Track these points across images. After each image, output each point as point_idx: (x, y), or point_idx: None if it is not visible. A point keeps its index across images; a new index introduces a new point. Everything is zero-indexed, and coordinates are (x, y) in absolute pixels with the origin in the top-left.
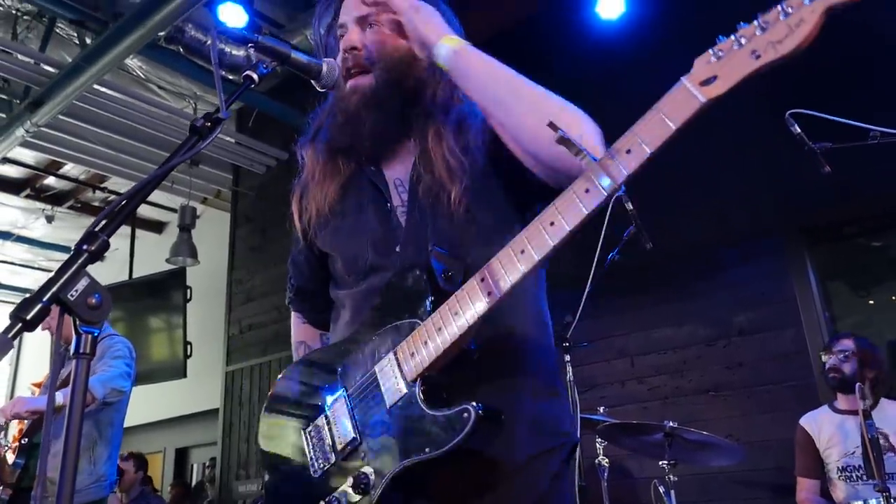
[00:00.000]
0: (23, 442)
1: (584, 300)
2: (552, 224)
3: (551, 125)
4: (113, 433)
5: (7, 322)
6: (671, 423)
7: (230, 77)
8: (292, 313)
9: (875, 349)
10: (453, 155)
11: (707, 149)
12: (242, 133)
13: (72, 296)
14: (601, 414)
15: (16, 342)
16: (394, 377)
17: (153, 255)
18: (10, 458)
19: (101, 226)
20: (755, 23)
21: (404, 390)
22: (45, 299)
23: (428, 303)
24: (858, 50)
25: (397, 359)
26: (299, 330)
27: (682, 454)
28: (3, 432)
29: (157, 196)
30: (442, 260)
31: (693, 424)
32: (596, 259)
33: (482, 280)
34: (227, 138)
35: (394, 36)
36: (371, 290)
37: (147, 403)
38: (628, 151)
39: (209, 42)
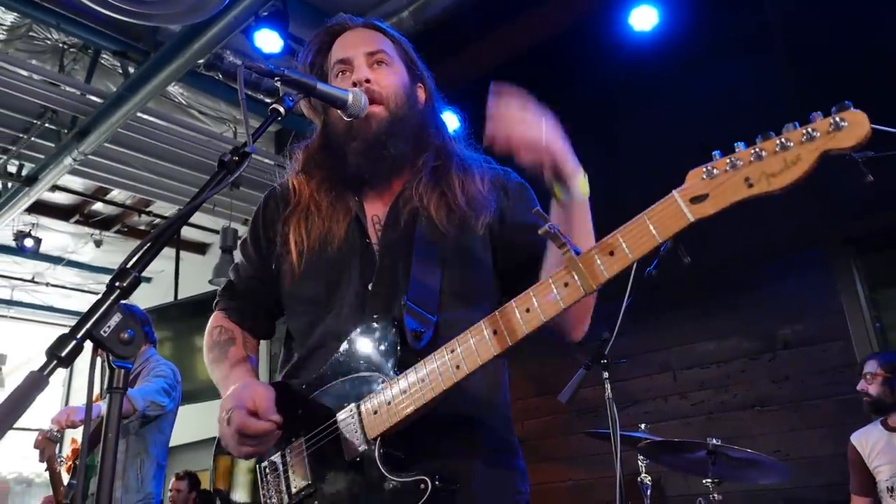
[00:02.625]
0: (77, 462)
1: (621, 316)
2: (528, 311)
3: (538, 213)
4: (158, 452)
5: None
6: (714, 441)
7: (268, 100)
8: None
9: None
10: (454, 201)
11: None
12: (281, 155)
13: (104, 332)
14: (642, 431)
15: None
16: (354, 431)
17: (197, 276)
18: (66, 476)
19: (132, 262)
20: (751, 149)
21: (363, 447)
22: (78, 336)
23: (394, 360)
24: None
25: (359, 413)
26: (223, 319)
27: (726, 472)
28: (57, 445)
29: (199, 218)
30: (414, 317)
31: (739, 440)
32: (632, 275)
33: (452, 352)
34: (266, 160)
35: (399, 75)
36: (336, 330)
37: (196, 422)
38: (611, 253)
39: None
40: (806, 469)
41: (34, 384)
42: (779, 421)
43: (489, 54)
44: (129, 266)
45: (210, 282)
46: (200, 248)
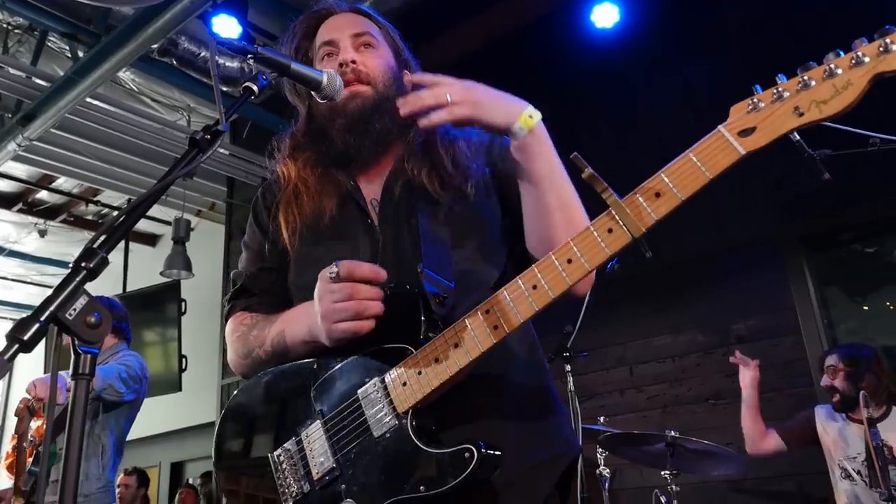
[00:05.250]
0: (40, 449)
1: (583, 310)
2: (570, 262)
3: (577, 159)
4: (115, 442)
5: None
6: (673, 433)
7: (224, 88)
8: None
9: (864, 351)
10: (444, 170)
11: None
12: (237, 145)
13: (70, 315)
14: (601, 424)
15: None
16: (381, 405)
17: (147, 269)
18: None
19: (99, 242)
20: (797, 78)
21: (394, 422)
22: (42, 319)
23: (420, 329)
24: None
25: (385, 386)
26: (247, 314)
27: (683, 464)
28: (32, 417)
29: (151, 209)
30: (433, 283)
31: (693, 433)
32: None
33: (487, 312)
34: (222, 150)
35: (385, 58)
36: None
37: (142, 417)
38: (658, 195)
39: (207, 54)
40: (756, 461)
41: None
42: (732, 414)
43: (448, 49)
44: (96, 245)
45: (161, 273)
46: (150, 240)
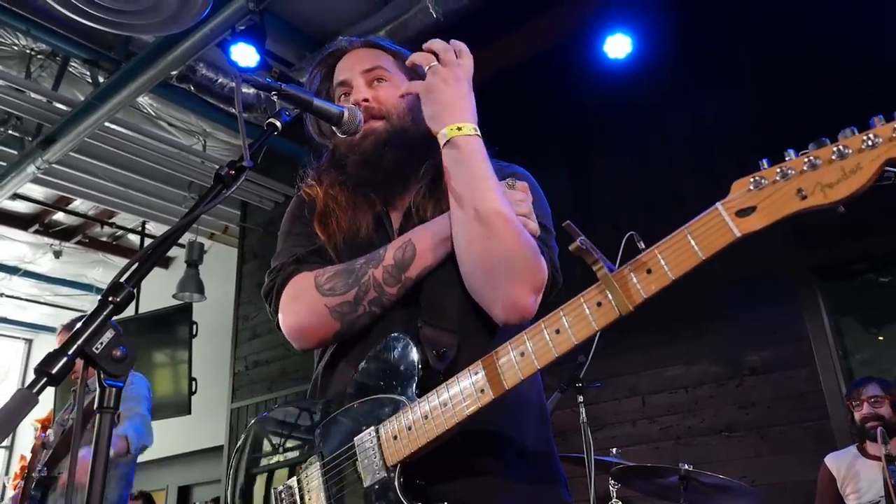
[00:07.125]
0: (41, 473)
1: (596, 339)
2: (558, 332)
3: (568, 227)
4: (128, 471)
5: (11, 358)
6: (687, 466)
7: (244, 115)
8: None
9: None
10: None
11: (714, 187)
12: (251, 169)
13: (97, 349)
14: (614, 455)
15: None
16: (373, 456)
17: (160, 291)
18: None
19: (126, 276)
20: (804, 157)
21: (382, 474)
22: (70, 353)
23: (415, 383)
24: (867, 78)
25: (378, 437)
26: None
27: (697, 498)
28: (46, 453)
29: (163, 231)
30: (432, 337)
31: (706, 465)
32: None
33: (476, 374)
34: None
35: (401, 85)
36: (355, 346)
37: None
38: (649, 271)
39: (224, 80)
40: (771, 495)
41: (23, 402)
42: (745, 446)
43: None
44: (123, 280)
45: (174, 296)
46: (164, 262)
